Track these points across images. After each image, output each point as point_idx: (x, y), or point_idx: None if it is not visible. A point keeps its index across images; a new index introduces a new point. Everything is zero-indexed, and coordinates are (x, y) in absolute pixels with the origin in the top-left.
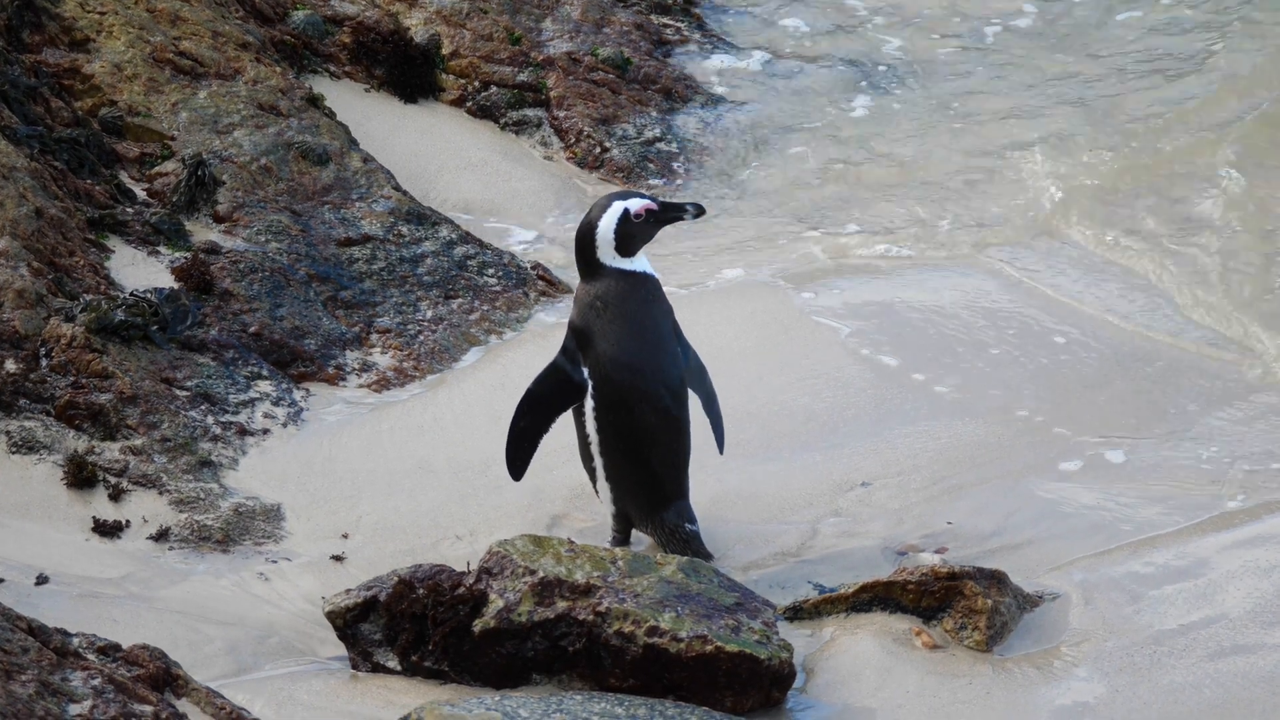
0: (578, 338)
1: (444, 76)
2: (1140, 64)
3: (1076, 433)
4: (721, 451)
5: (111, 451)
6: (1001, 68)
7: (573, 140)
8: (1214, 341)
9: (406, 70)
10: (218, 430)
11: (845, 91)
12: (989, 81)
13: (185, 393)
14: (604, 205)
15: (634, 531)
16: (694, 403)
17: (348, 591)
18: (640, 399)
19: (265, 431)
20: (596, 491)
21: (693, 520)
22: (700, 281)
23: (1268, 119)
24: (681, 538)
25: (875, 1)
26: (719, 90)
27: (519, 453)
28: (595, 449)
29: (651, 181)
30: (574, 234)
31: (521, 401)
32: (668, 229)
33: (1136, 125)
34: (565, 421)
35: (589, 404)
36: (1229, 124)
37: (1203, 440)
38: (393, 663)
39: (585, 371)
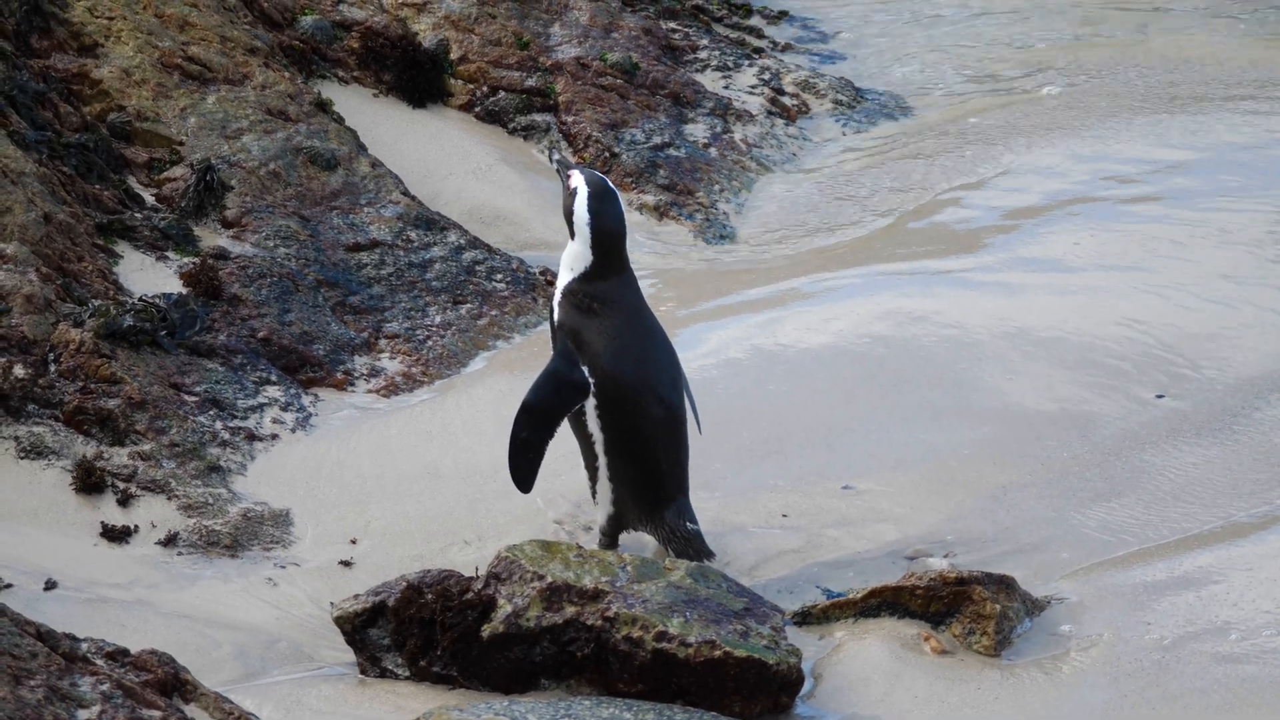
0: (572, 337)
1: (452, 81)
2: None
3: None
4: (700, 432)
5: (120, 457)
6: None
7: (581, 145)
8: None
9: (415, 75)
10: (226, 435)
11: (851, 99)
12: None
13: (194, 398)
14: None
15: (623, 536)
16: None
17: (356, 597)
18: (645, 391)
19: (274, 437)
20: (594, 493)
21: (693, 519)
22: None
23: None
24: (682, 536)
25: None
26: (727, 96)
27: (526, 464)
28: (600, 448)
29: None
30: None
31: (520, 413)
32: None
33: None
34: (567, 426)
35: (590, 403)
36: None
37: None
38: (401, 668)
39: (585, 370)
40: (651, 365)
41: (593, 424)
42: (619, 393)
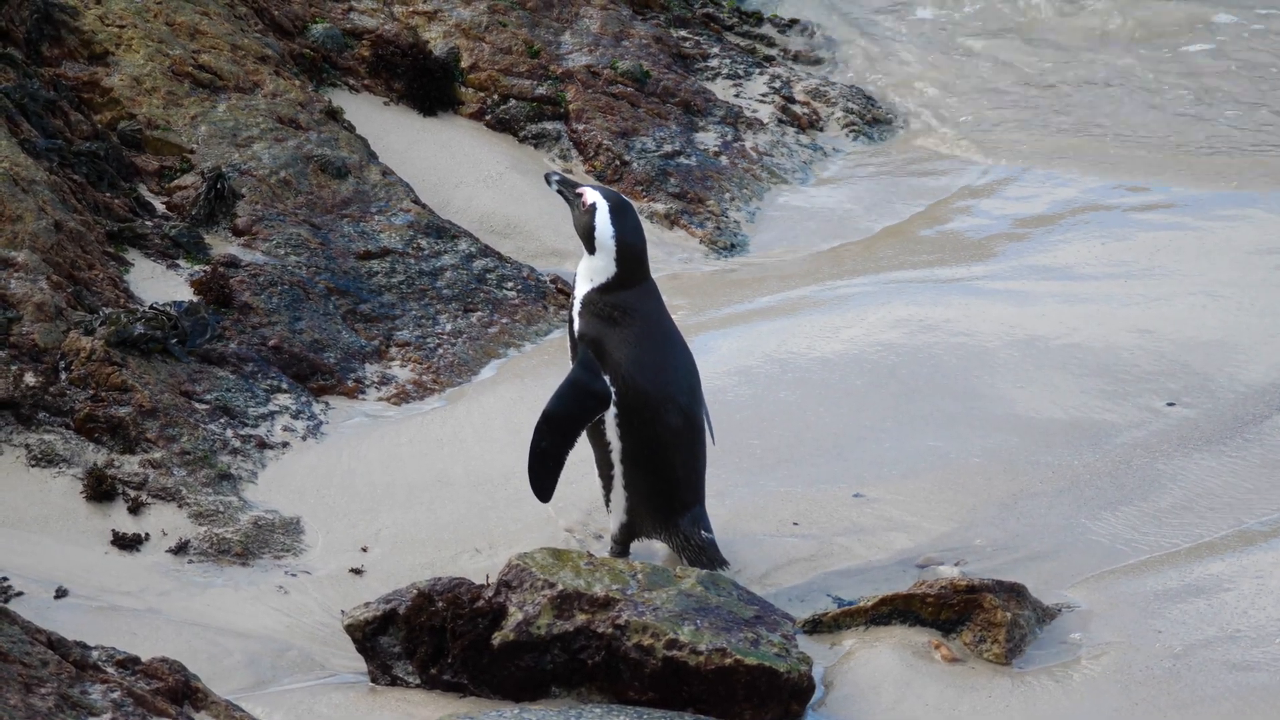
0: (593, 347)
1: (463, 89)
2: None
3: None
4: (714, 443)
5: (131, 465)
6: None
7: (592, 153)
8: None
9: (425, 83)
10: (237, 443)
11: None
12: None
13: (204, 406)
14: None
15: (633, 543)
16: None
17: (367, 604)
18: (665, 401)
19: (284, 444)
20: (607, 501)
21: (708, 528)
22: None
23: None
24: (697, 544)
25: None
26: (738, 104)
27: (546, 474)
28: (615, 456)
29: (671, 199)
30: None
31: (540, 423)
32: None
33: None
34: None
35: (610, 412)
36: None
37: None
38: (411, 676)
39: (606, 380)
40: (671, 374)
41: (611, 433)
42: (639, 402)
